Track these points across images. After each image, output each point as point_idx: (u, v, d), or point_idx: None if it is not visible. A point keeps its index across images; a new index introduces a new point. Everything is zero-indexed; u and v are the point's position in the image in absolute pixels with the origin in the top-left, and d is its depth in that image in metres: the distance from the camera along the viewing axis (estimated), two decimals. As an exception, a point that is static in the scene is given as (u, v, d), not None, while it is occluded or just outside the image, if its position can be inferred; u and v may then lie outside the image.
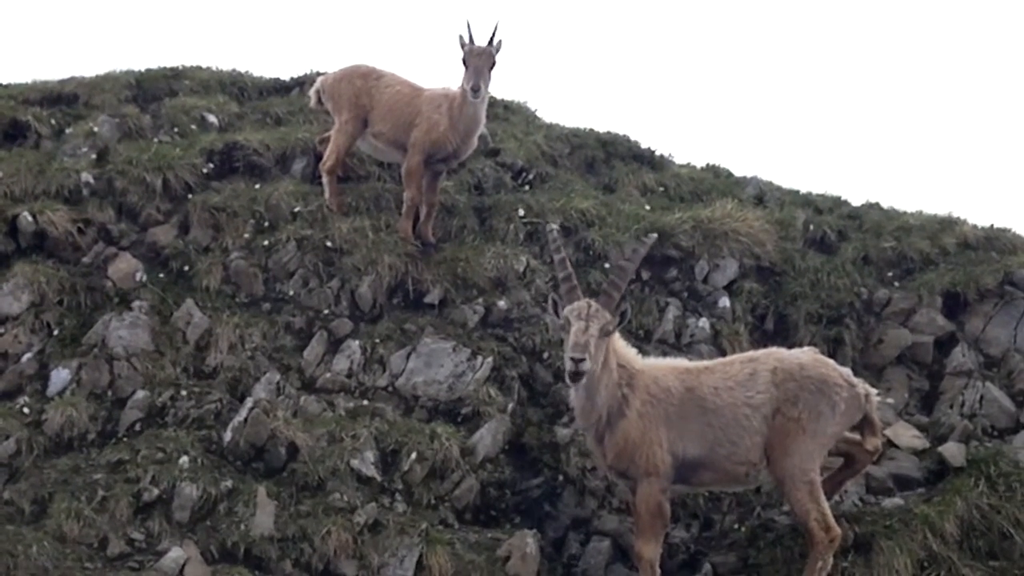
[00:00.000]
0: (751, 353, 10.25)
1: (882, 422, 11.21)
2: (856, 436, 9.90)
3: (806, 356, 9.89)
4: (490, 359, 11.85)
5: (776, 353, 10.01)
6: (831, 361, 10.00)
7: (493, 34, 12.17)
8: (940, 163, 37.96)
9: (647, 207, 14.14)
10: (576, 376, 9.01)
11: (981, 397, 11.95)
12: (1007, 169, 37.36)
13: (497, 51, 12.22)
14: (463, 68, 12.25)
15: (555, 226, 9.97)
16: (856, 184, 35.08)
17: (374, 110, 13.16)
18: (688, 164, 16.24)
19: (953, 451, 11.06)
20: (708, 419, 9.57)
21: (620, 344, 9.78)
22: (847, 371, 9.89)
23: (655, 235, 10.33)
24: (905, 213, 14.61)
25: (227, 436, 10.98)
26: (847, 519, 10.15)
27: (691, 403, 9.60)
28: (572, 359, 8.91)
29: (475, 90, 12.16)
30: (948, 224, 14.05)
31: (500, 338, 12.15)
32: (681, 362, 10.14)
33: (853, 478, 10.47)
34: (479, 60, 12.16)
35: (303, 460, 10.78)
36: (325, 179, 13.36)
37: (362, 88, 13.25)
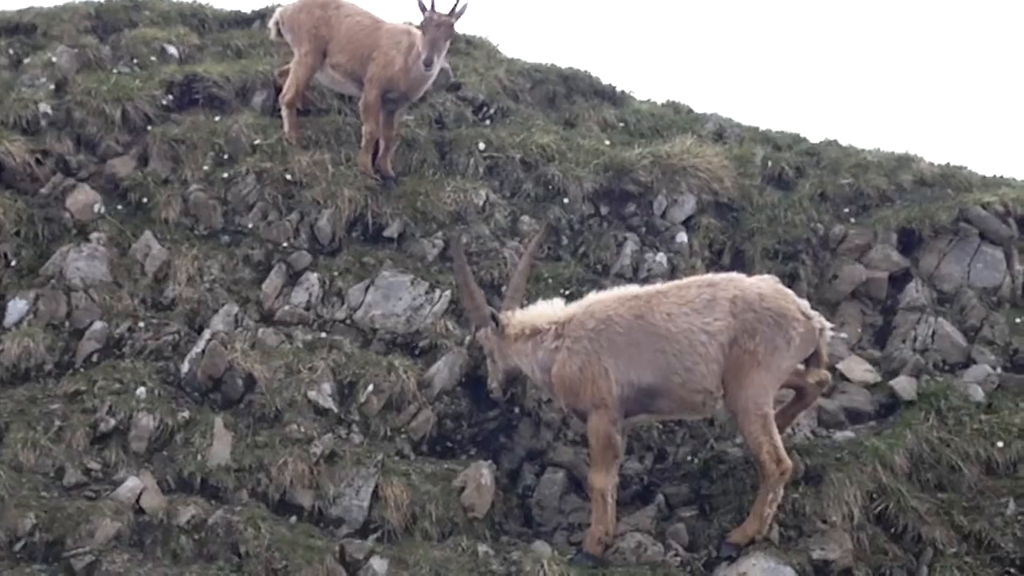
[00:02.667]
0: (709, 277, 10.18)
1: (835, 356, 11.38)
2: (801, 367, 9.97)
3: (766, 286, 9.82)
4: (448, 292, 11.90)
5: (736, 280, 9.92)
6: (790, 292, 9.95)
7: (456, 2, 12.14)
8: (898, 101, 38.09)
9: (607, 142, 14.18)
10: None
11: (933, 332, 12.08)
12: (964, 108, 37.52)
13: (458, 18, 12.16)
14: (420, 32, 12.19)
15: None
16: (815, 121, 35.31)
17: (333, 40, 13.05)
18: (648, 100, 16.23)
19: (904, 385, 11.21)
20: (661, 345, 9.57)
21: (529, 314, 10.19)
22: (804, 303, 9.85)
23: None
24: (863, 150, 14.64)
25: (184, 367, 11.00)
26: (799, 451, 10.28)
27: (641, 330, 9.61)
28: None
29: (427, 64, 12.08)
30: (905, 161, 14.13)
31: (458, 271, 12.18)
32: (629, 289, 10.15)
33: (805, 410, 10.57)
34: (437, 31, 12.03)
35: (260, 391, 10.83)
36: (284, 112, 13.30)
37: (321, 18, 13.13)
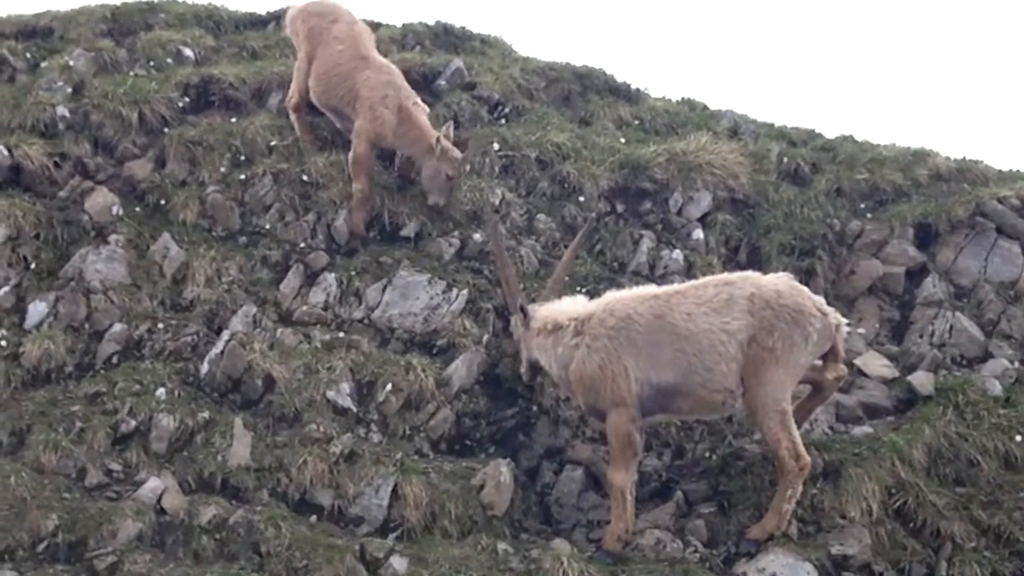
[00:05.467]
0: (725, 276, 10.22)
1: (852, 351, 11.39)
2: (819, 363, 10.00)
3: (783, 283, 9.87)
4: (465, 291, 11.91)
5: (752, 278, 9.98)
6: (806, 289, 10.00)
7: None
8: (914, 96, 38.02)
9: (622, 140, 14.17)
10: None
11: (951, 327, 12.07)
12: (980, 102, 37.42)
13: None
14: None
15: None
16: (830, 117, 35.33)
17: (315, 60, 12.93)
18: (663, 97, 16.20)
19: (922, 380, 11.20)
20: (681, 345, 9.61)
21: (552, 310, 10.28)
22: (820, 300, 9.91)
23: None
24: (878, 145, 14.62)
25: (204, 368, 11.05)
26: (816, 447, 10.29)
27: (661, 330, 9.65)
28: None
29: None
30: (921, 156, 14.11)
31: (475, 271, 12.20)
32: (648, 289, 10.20)
33: (821, 405, 10.58)
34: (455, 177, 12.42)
35: (279, 392, 10.87)
36: (292, 117, 13.28)
37: (315, 28, 13.04)
